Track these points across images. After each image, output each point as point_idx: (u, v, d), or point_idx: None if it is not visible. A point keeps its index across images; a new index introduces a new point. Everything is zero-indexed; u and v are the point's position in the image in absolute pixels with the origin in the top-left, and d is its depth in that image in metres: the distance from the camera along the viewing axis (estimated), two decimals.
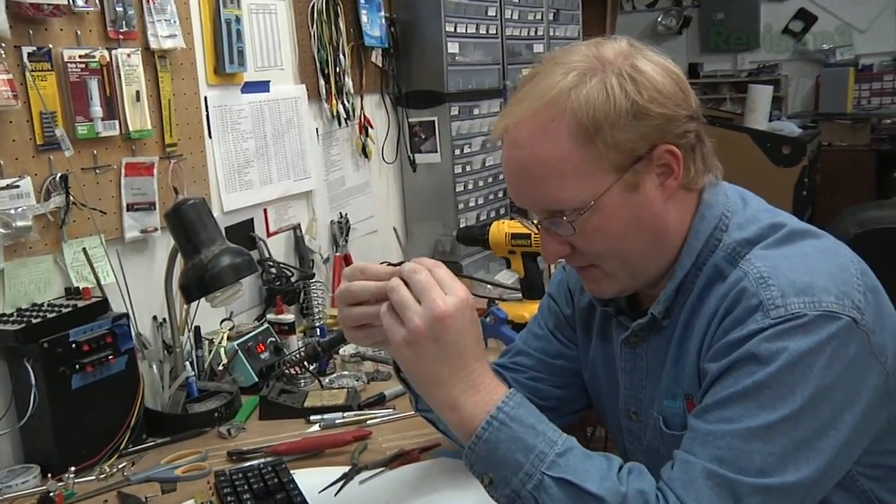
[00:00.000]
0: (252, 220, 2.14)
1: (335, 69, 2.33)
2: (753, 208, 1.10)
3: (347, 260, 2.45)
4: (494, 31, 2.83)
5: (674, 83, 1.02)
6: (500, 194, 2.91)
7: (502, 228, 2.09)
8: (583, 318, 1.31)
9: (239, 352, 1.82)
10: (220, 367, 1.82)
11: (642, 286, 1.13)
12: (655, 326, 1.13)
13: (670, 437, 1.10)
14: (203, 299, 1.55)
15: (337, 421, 1.62)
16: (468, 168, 2.72)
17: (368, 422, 1.61)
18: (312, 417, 1.64)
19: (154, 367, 1.68)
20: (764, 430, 0.92)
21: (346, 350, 1.94)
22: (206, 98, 1.99)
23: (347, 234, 2.44)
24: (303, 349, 1.77)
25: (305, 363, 1.73)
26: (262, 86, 2.17)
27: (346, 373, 1.88)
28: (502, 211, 2.92)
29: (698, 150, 1.06)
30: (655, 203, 1.04)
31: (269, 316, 2.00)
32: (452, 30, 2.60)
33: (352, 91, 2.40)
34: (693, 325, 1.07)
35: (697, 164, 1.06)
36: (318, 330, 2.13)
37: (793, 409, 0.92)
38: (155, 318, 1.82)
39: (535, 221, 1.09)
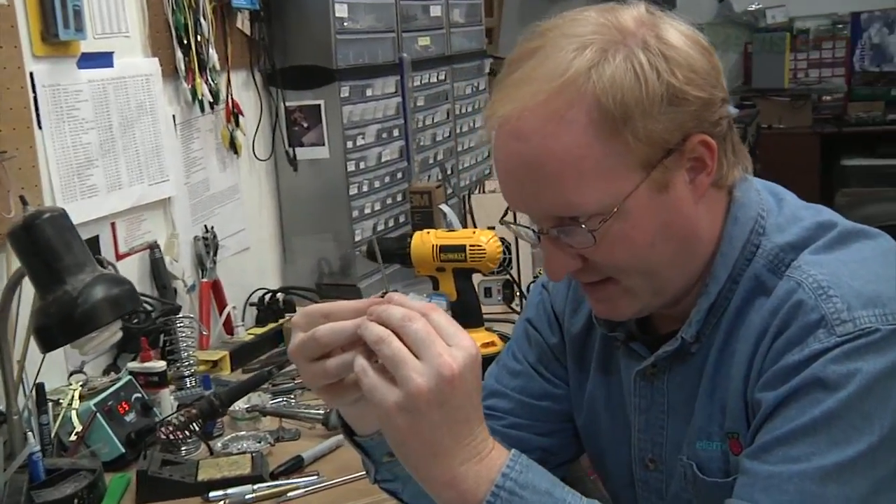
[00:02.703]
0: (98, 237, 2.11)
1: (196, 38, 2.33)
2: (791, 205, 1.20)
3: (217, 287, 2.45)
4: None
5: (706, 59, 1.10)
6: (399, 198, 2.99)
7: (427, 240, 2.16)
8: (576, 347, 1.38)
9: (98, 414, 1.79)
10: (73, 437, 1.78)
11: (664, 305, 1.20)
12: (680, 354, 1.20)
13: (709, 485, 1.18)
14: (69, 345, 1.52)
15: (247, 496, 1.63)
16: (362, 165, 2.78)
17: (289, 494, 1.64)
18: (212, 494, 1.64)
19: None
20: (839, 470, 1.00)
21: (237, 404, 1.95)
22: (31, 74, 1.95)
23: (216, 254, 2.44)
24: (191, 406, 1.78)
25: (196, 424, 1.74)
26: (104, 58, 2.15)
27: (242, 433, 1.89)
28: (402, 219, 2.99)
29: (729, 139, 1.14)
30: (686, 204, 1.11)
31: (132, 364, 1.97)
32: None
33: (217, 67, 2.41)
34: (732, 350, 1.15)
35: (729, 157, 1.14)
36: (189, 381, 2.12)
37: (871, 443, 1.00)
38: None
39: (537, 230, 1.14)
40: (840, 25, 6.79)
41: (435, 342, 0.98)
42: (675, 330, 1.21)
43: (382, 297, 1.05)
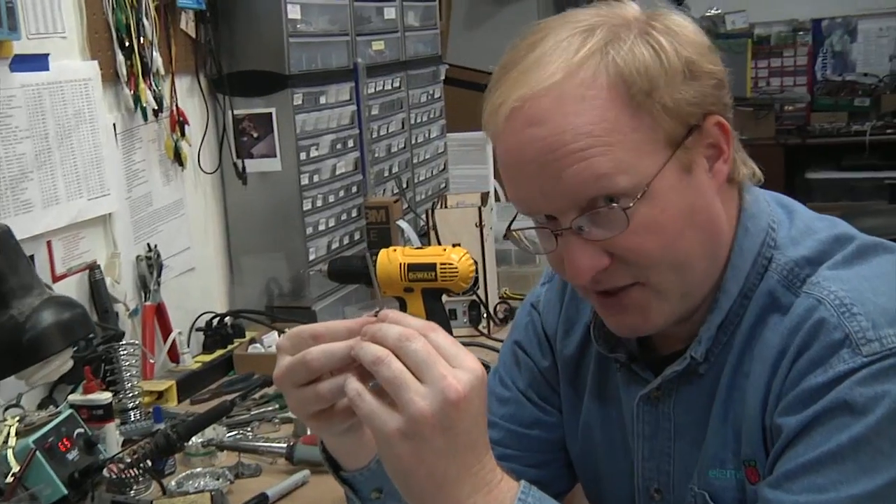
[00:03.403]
0: (32, 257, 2.05)
1: (138, 39, 2.29)
2: (803, 217, 1.21)
3: (161, 311, 2.41)
4: None
5: (708, 43, 1.13)
6: (354, 213, 2.96)
7: (394, 258, 2.14)
8: (570, 370, 1.37)
9: (38, 453, 1.74)
10: (10, 479, 1.72)
11: (686, 313, 1.18)
12: (688, 374, 1.20)
13: None
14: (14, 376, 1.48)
15: None
16: (316, 178, 2.75)
17: None
18: None
19: None
20: (868, 499, 1.01)
21: (193, 437, 1.91)
22: None
23: (160, 275, 2.40)
24: (144, 440, 1.74)
25: (150, 461, 1.70)
26: (39, 61, 2.10)
27: (197, 470, 1.86)
28: (357, 236, 2.97)
29: (734, 134, 1.16)
30: (708, 192, 1.12)
31: (73, 397, 1.92)
32: None
33: (162, 71, 2.37)
34: (746, 371, 1.15)
35: (738, 150, 1.17)
36: (133, 413, 2.08)
37: None
38: None
39: (556, 229, 1.12)
40: (801, 32, 6.93)
41: (437, 363, 0.97)
42: (679, 350, 1.21)
43: (376, 315, 1.03)
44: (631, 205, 1.06)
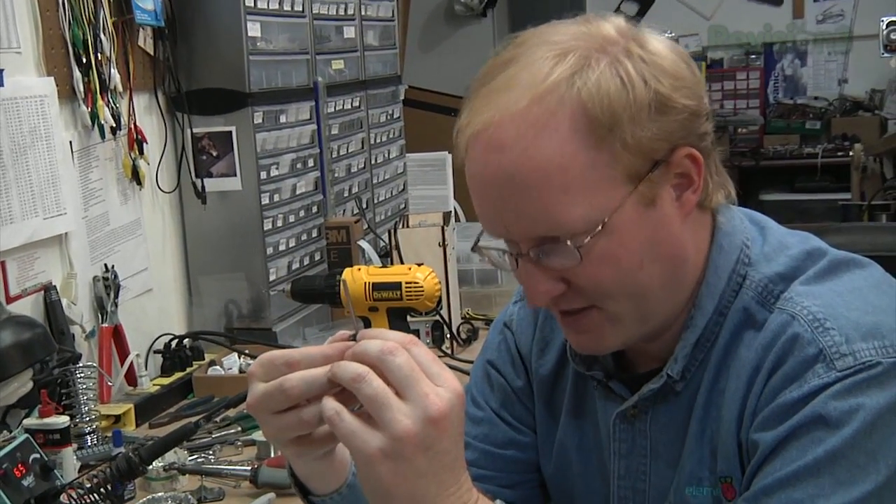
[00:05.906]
0: None
1: (95, 55, 2.26)
2: (776, 232, 1.22)
3: (118, 333, 2.37)
4: (301, 9, 2.89)
5: (690, 70, 1.12)
6: (315, 233, 2.94)
7: (358, 277, 2.12)
8: (545, 390, 1.37)
9: None
10: None
11: (647, 336, 1.20)
12: (664, 392, 1.20)
13: None
14: None
15: None
16: (277, 198, 2.73)
17: None
18: None
19: None
20: None
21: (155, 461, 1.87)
22: None
23: (117, 296, 2.36)
24: (104, 464, 1.70)
25: (110, 486, 1.66)
26: None
27: (159, 494, 1.83)
28: (318, 256, 2.95)
29: (712, 158, 1.16)
30: (673, 222, 1.12)
31: (28, 421, 1.87)
32: (253, 4, 2.62)
33: (120, 88, 2.34)
34: (722, 388, 1.16)
35: (713, 176, 1.16)
36: (90, 438, 2.03)
37: (877, 483, 1.02)
38: None
39: (515, 253, 1.13)
40: (753, 56, 7.03)
41: (420, 380, 0.96)
42: (656, 368, 1.22)
43: (354, 339, 1.01)
44: (585, 241, 1.07)
